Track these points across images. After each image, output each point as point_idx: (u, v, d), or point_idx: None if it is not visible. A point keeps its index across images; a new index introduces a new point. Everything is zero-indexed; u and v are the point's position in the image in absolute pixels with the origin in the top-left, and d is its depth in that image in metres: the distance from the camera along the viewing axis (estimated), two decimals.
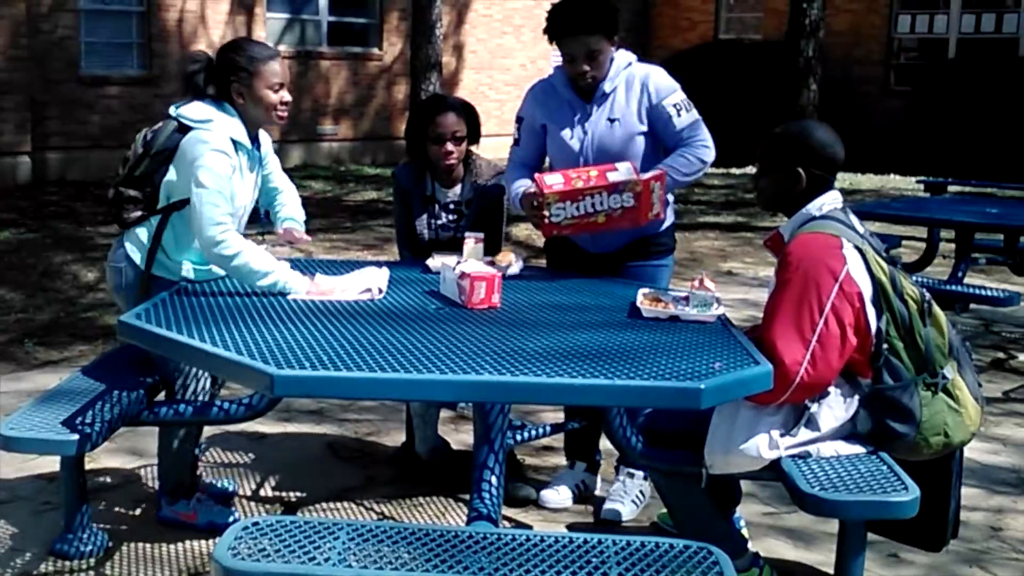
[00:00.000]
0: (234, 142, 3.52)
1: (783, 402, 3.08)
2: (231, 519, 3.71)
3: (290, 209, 3.92)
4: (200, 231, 3.42)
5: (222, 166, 3.46)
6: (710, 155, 3.85)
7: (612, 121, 3.82)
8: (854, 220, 3.26)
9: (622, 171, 3.63)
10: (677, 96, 3.83)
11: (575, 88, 3.85)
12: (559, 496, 4.06)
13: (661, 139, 3.85)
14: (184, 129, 3.53)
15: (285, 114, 3.62)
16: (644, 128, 3.82)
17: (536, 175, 3.72)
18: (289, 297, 3.34)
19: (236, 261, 3.39)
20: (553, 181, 3.63)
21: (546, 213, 3.61)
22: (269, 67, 3.55)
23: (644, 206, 3.64)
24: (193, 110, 3.54)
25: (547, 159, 4.04)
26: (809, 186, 3.26)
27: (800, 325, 3.03)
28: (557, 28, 3.76)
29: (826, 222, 3.19)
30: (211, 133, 3.48)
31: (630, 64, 3.87)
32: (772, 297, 3.15)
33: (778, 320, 3.06)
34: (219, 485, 4.05)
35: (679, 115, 3.81)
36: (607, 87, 3.83)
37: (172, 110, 3.58)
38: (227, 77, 3.56)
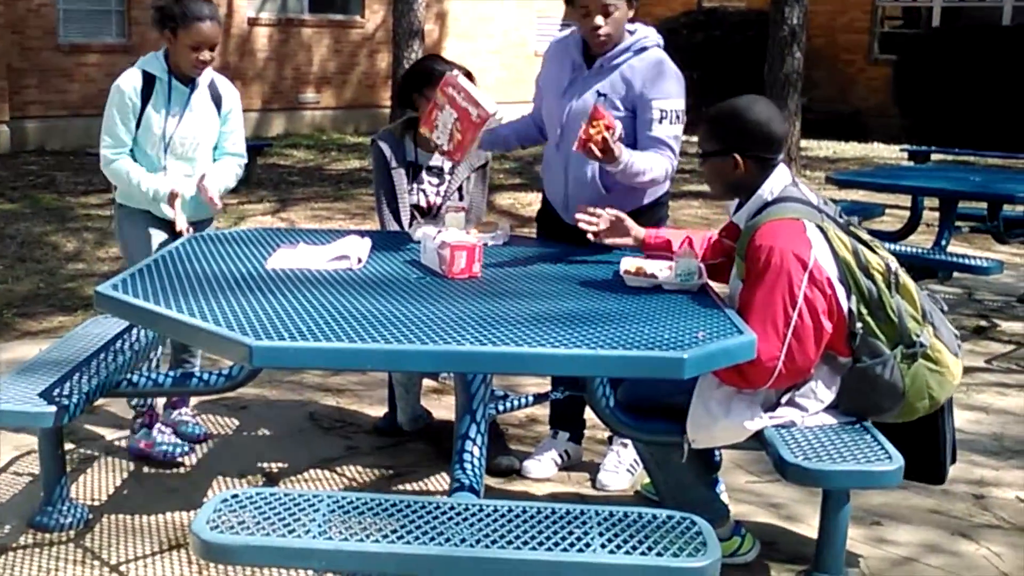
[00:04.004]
0: (149, 75, 3.89)
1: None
2: (187, 450, 4.08)
3: (217, 171, 4.08)
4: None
5: (116, 105, 3.91)
6: (668, 168, 3.65)
7: (600, 96, 3.67)
8: (808, 193, 3.16)
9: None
10: (671, 103, 3.63)
11: (584, 51, 3.74)
12: (542, 466, 4.05)
13: (636, 133, 3.67)
14: None
15: (200, 71, 3.93)
16: (622, 113, 3.64)
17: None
18: (267, 266, 3.31)
19: (127, 178, 3.93)
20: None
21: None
22: (195, 27, 3.83)
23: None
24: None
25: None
26: (752, 170, 3.15)
27: (774, 320, 2.98)
28: None
29: (783, 205, 3.09)
30: (123, 75, 3.91)
31: (646, 49, 3.69)
32: (743, 292, 3.08)
33: (752, 316, 2.99)
34: (190, 429, 4.27)
35: (660, 123, 3.62)
36: (612, 60, 3.68)
37: None
38: (164, 20, 3.89)
